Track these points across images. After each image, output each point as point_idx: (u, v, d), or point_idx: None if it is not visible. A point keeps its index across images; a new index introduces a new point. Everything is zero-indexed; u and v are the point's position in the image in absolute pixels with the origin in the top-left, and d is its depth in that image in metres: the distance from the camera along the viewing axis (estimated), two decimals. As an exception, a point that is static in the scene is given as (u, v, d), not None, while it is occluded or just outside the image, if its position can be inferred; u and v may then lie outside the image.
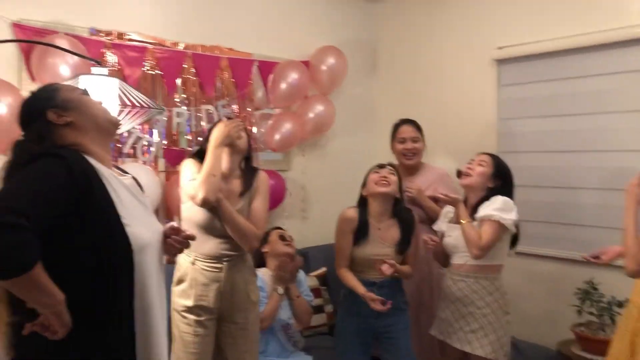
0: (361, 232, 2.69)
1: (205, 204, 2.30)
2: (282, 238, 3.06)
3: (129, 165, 3.03)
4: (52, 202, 1.41)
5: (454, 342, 2.68)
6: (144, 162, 3.16)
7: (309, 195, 3.96)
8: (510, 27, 3.56)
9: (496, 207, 2.60)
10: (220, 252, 2.40)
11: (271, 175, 3.44)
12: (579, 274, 3.17)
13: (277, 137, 3.58)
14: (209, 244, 2.39)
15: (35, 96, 1.68)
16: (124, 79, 3.03)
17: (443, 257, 2.84)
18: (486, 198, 2.69)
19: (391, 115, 4.07)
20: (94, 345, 1.50)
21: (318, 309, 3.40)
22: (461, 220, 2.63)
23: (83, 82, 2.27)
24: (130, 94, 2.43)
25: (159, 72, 3.21)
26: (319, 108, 3.76)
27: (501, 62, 3.61)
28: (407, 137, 3.30)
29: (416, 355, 2.84)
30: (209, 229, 2.37)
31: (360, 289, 2.61)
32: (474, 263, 2.65)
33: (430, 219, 3.14)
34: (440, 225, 2.87)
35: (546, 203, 3.44)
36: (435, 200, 3.15)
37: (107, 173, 1.59)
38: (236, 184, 2.47)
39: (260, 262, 3.06)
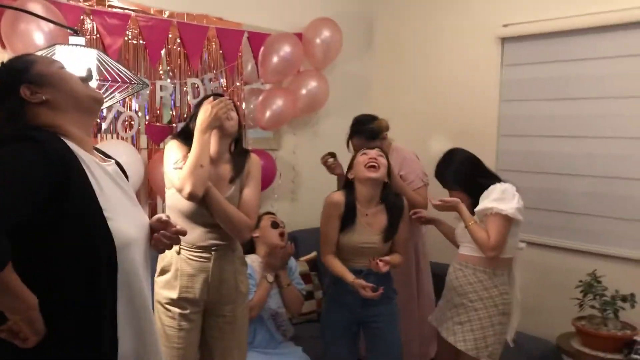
0: (348, 218, 2.58)
1: (192, 198, 2.15)
2: (275, 225, 2.92)
3: (108, 143, 2.89)
4: (26, 196, 1.26)
5: (442, 330, 2.62)
6: (125, 140, 3.00)
7: (299, 176, 3.84)
8: (517, 4, 3.43)
9: (494, 198, 2.48)
10: (208, 241, 2.26)
11: (260, 154, 3.29)
12: (582, 265, 3.10)
13: (267, 114, 3.43)
14: (195, 233, 2.25)
15: (6, 68, 1.49)
16: (103, 49, 2.87)
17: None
18: (475, 189, 2.57)
19: (387, 94, 4.08)
20: (71, 350, 1.36)
21: (308, 296, 3.30)
22: (468, 224, 2.51)
23: (59, 53, 2.06)
24: (111, 67, 2.23)
25: (142, 42, 3.04)
26: (312, 84, 3.61)
27: (506, 40, 3.49)
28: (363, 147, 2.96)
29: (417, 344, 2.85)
30: (195, 217, 2.23)
31: (349, 276, 2.50)
32: (475, 254, 2.56)
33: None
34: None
35: (548, 190, 3.35)
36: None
37: (88, 159, 1.43)
38: (225, 169, 2.32)
39: (250, 248, 2.92)
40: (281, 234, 2.92)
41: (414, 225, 3.04)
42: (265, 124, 3.47)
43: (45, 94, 1.44)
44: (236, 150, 2.38)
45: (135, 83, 2.25)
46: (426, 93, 3.85)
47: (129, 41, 3.00)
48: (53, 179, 1.30)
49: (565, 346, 2.93)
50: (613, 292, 2.86)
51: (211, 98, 2.25)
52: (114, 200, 1.43)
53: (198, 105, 2.30)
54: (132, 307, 1.45)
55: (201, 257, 2.26)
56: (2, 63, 1.52)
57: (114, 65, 2.25)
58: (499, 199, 2.47)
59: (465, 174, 2.62)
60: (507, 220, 2.47)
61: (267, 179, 3.48)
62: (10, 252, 1.21)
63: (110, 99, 2.22)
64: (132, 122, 3.00)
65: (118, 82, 2.21)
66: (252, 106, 3.52)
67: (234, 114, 2.31)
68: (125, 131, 2.99)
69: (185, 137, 2.28)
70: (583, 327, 2.87)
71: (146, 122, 3.09)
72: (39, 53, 1.97)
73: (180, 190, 2.15)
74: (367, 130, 2.97)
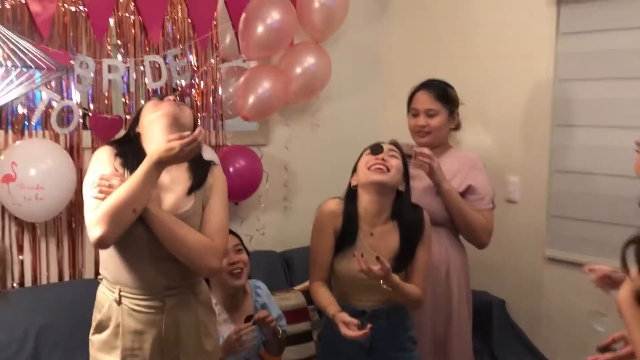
0: (346, 236, 2.42)
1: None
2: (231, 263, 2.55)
3: (30, 142, 2.69)
4: None
5: None
6: (55, 138, 2.79)
7: (294, 178, 3.71)
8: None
9: None
10: (158, 283, 2.01)
11: (242, 152, 3.31)
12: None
13: (250, 100, 3.23)
14: (139, 271, 2.00)
15: None
16: (30, 18, 2.69)
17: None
18: None
19: (407, 72, 3.94)
20: None
21: (304, 337, 3.14)
22: None
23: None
24: (11, 43, 1.91)
25: (83, 8, 2.86)
26: (310, 60, 3.44)
27: (563, 1, 3.27)
28: (420, 109, 2.88)
29: None
30: (136, 249, 1.98)
31: (331, 308, 2.32)
32: None
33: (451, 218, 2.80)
34: None
35: (622, 198, 3.08)
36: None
37: None
38: (180, 176, 2.08)
39: None
40: (234, 274, 2.51)
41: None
42: (248, 112, 3.26)
43: None
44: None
45: (50, 68, 1.92)
46: (457, 71, 3.60)
47: (65, 7, 2.81)
48: None
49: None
50: None
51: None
52: None
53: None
54: None
55: (149, 306, 2.01)
56: None
57: (16, 41, 1.93)
58: None
59: None
60: None
61: (250, 183, 3.33)
62: None
63: (7, 93, 1.88)
64: (70, 115, 2.81)
65: (29, 66, 1.88)
66: (230, 90, 3.35)
67: (186, 109, 2.12)
68: (62, 126, 2.80)
69: (126, 144, 2.10)
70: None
71: (90, 114, 2.91)
72: None
73: (88, 230, 1.89)
74: (439, 87, 2.92)
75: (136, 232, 1.92)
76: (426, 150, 2.65)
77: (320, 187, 3.46)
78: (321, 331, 2.56)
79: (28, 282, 2.73)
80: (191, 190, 2.06)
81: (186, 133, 1.88)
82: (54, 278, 2.79)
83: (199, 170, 2.11)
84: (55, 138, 2.77)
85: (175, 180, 2.06)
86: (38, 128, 2.75)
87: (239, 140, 3.36)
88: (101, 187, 1.88)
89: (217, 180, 2.13)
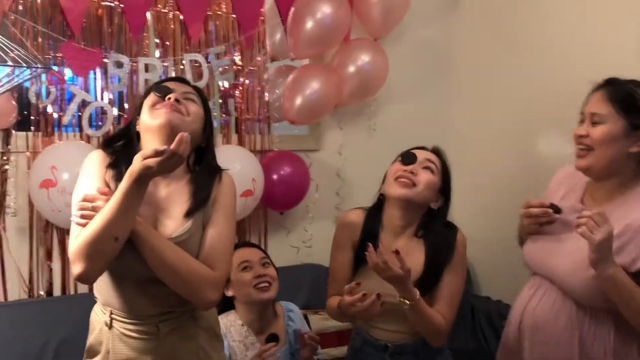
0: (364, 251, 2.14)
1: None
2: (258, 276, 2.29)
3: (67, 145, 2.60)
4: None
5: None
6: (87, 139, 2.69)
7: (347, 186, 3.49)
8: None
9: None
10: (147, 306, 1.77)
11: (288, 158, 3.13)
12: None
13: (297, 101, 3.04)
14: (126, 294, 1.77)
15: None
16: (61, 14, 2.63)
17: None
18: None
19: (475, 71, 3.73)
20: None
21: None
22: None
23: None
24: None
25: (118, 3, 2.77)
26: (365, 59, 3.25)
27: None
28: (587, 112, 2.02)
29: None
30: (126, 270, 1.75)
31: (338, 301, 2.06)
32: None
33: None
34: None
35: None
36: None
37: None
38: (179, 194, 1.81)
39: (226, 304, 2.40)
40: (261, 288, 2.26)
41: None
42: (295, 115, 3.06)
43: None
44: (201, 164, 1.86)
45: (30, 66, 1.75)
46: (534, 71, 3.35)
47: (99, 2, 2.73)
48: None
49: None
50: None
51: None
52: None
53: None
54: None
55: (142, 331, 1.78)
56: None
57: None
58: None
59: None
60: None
61: (296, 191, 3.16)
62: None
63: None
64: (104, 115, 2.73)
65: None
66: (278, 91, 3.17)
67: (192, 108, 1.81)
68: (95, 128, 2.72)
69: (122, 148, 1.83)
70: None
71: (125, 115, 2.80)
72: None
73: (70, 262, 1.68)
74: (621, 87, 1.97)
75: (121, 251, 1.69)
76: (588, 213, 1.79)
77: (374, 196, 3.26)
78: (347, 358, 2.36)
79: (57, 291, 2.62)
80: (190, 213, 1.79)
81: (162, 148, 1.59)
82: (84, 288, 2.65)
83: (202, 186, 1.83)
84: (87, 140, 2.68)
85: (173, 196, 1.80)
86: (69, 130, 2.67)
87: (287, 146, 3.20)
88: (83, 211, 1.66)
89: (222, 192, 1.85)
